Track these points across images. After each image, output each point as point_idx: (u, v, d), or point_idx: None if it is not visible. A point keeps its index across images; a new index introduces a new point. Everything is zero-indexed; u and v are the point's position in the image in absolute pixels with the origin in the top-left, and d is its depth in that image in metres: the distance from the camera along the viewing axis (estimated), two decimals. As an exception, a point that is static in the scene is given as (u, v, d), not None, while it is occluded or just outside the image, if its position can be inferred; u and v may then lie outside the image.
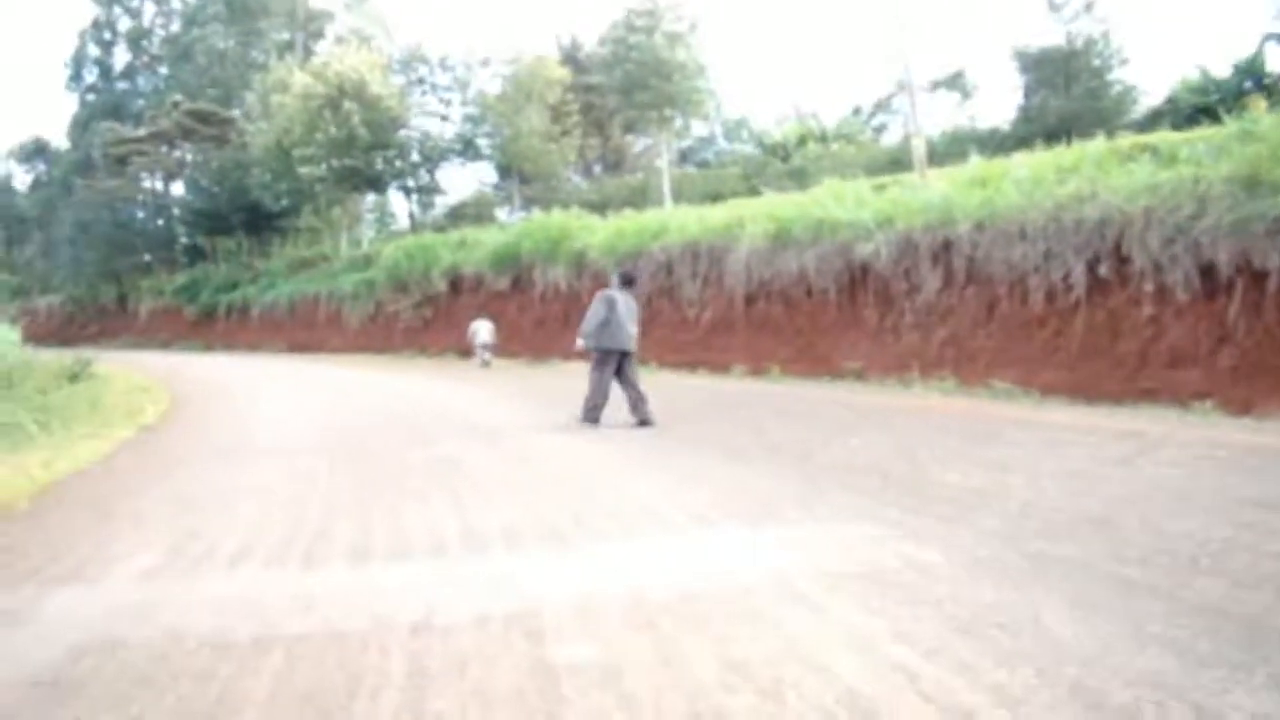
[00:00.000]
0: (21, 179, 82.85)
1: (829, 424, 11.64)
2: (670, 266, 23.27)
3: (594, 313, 12.22)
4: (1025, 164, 17.00)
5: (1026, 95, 42.91)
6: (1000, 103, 79.69)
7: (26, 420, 13.79)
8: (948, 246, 16.14)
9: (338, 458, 10.30)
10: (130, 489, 8.85)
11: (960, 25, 72.50)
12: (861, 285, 17.95)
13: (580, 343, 12.41)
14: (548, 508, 7.01)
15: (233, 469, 9.91)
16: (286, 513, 7.25)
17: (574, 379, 21.06)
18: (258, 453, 11.32)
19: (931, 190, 18.07)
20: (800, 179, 36.79)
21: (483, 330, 28.30)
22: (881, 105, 56.52)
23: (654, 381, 18.78)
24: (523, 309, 29.86)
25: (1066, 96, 39.16)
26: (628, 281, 13.06)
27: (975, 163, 18.89)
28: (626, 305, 12.45)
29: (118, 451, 11.72)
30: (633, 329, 12.47)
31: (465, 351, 29.40)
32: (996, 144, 32.03)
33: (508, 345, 29.00)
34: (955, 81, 52.81)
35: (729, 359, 20.56)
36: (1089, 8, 39.90)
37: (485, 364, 27.52)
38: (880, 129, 55.85)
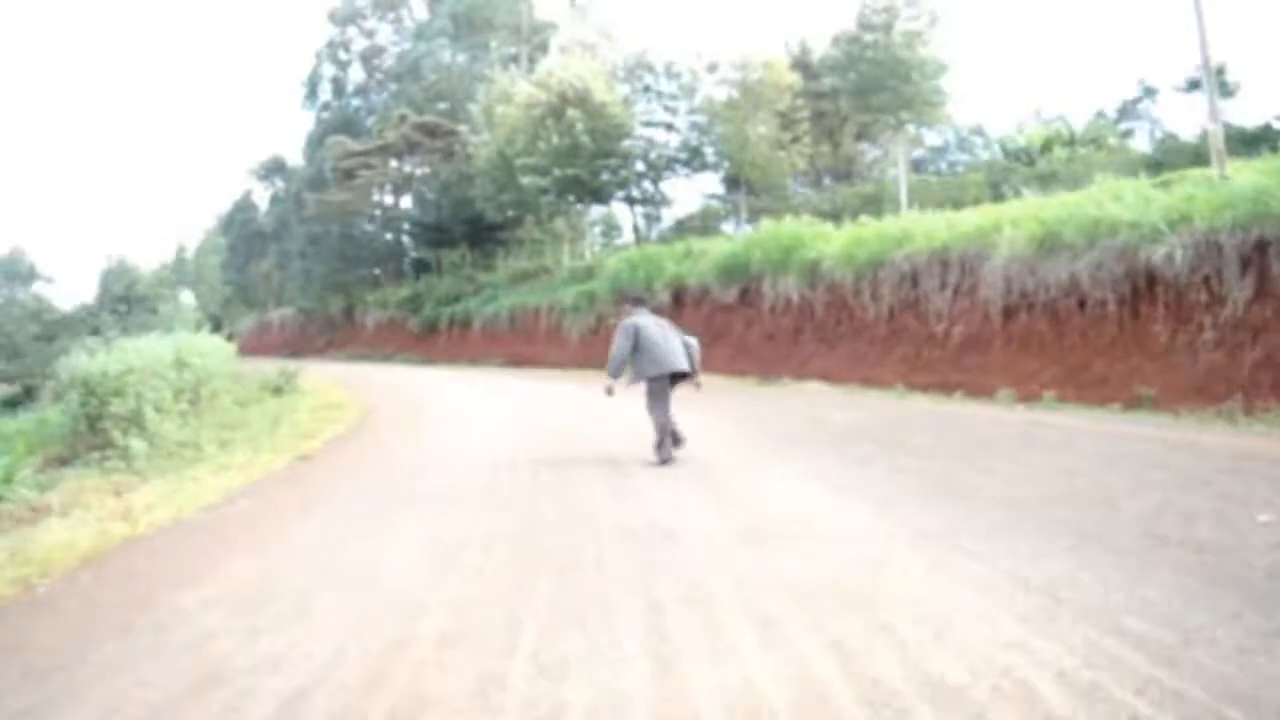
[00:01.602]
0: (261, 195, 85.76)
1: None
2: (915, 277, 21.18)
3: (618, 346, 11.31)
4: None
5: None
6: (1261, 102, 73.70)
7: (208, 439, 12.83)
8: (1263, 249, 13.59)
9: (508, 521, 8.16)
10: (202, 567, 7.11)
11: (1213, 18, 67.84)
12: (1147, 296, 15.49)
13: (609, 382, 11.37)
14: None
15: (355, 534, 7.97)
16: (381, 635, 5.15)
17: (810, 402, 19.23)
18: (408, 504, 9.22)
19: (1238, 183, 15.39)
20: (1049, 184, 33.98)
21: (689, 347, 26.51)
22: (1127, 109, 53.10)
23: (908, 409, 16.62)
24: (750, 323, 28.01)
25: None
26: (638, 301, 12.39)
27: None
28: (658, 326, 11.61)
29: (245, 491, 10.30)
30: (677, 346, 11.56)
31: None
32: (1268, 142, 28.62)
33: (735, 362, 27.24)
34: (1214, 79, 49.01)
35: (987, 381, 18.17)
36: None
37: (698, 386, 25.71)
38: (1127, 134, 52.21)
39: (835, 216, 28.95)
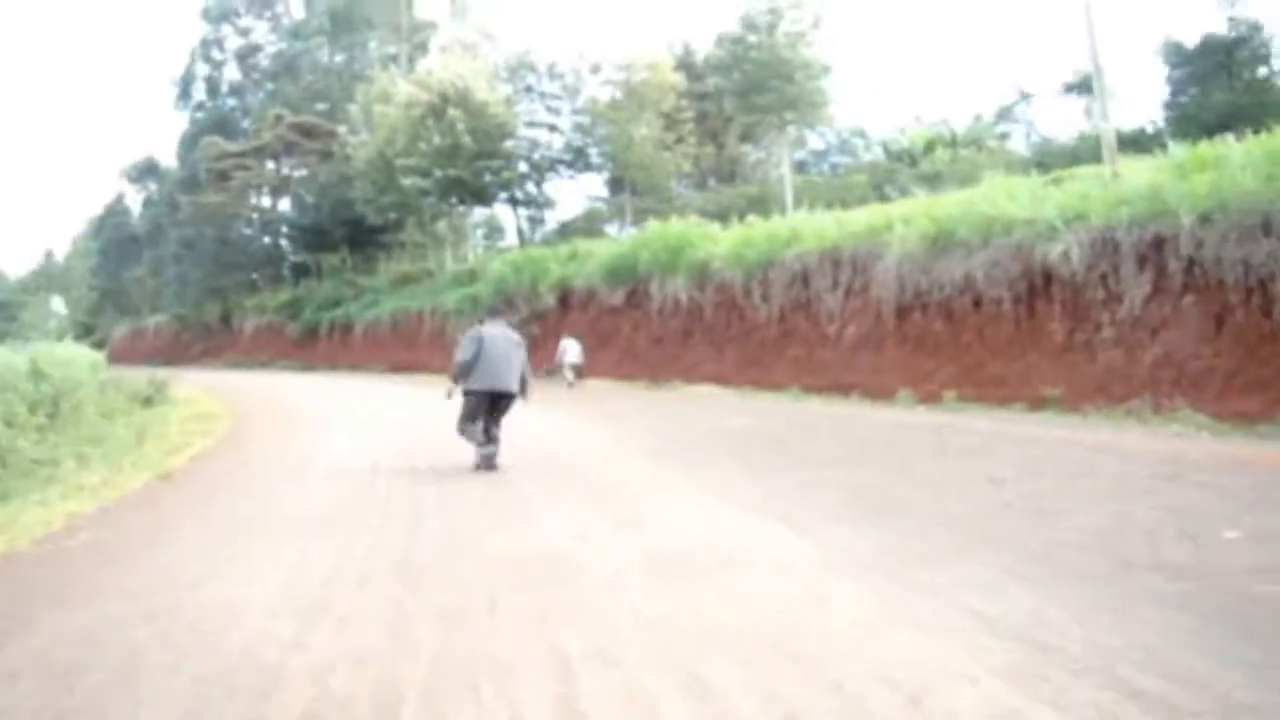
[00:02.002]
0: (134, 198, 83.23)
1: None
2: (806, 277, 20.79)
3: (461, 353, 11.03)
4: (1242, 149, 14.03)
5: (1174, 92, 40.26)
6: (1134, 104, 75.41)
7: (68, 455, 11.82)
8: (1159, 245, 13.36)
9: (384, 549, 7.03)
10: (17, 621, 5.62)
11: (1084, 25, 69.19)
12: (1044, 294, 15.24)
13: (450, 386, 11.19)
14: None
15: (207, 572, 6.56)
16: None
17: (703, 406, 18.73)
18: (273, 530, 7.97)
19: (1132, 180, 15.18)
20: (935, 184, 34.07)
21: (571, 350, 27.14)
22: (1004, 113, 54.35)
23: (806, 412, 16.22)
24: (638, 325, 27.41)
25: (1230, 90, 35.90)
26: (494, 313, 12.13)
27: (1175, 150, 15.78)
28: (503, 342, 11.19)
29: (92, 518, 8.89)
30: (509, 369, 11.10)
31: (552, 371, 27.14)
32: (1141, 146, 28.98)
33: (623, 366, 26.71)
34: (1089, 85, 50.22)
35: (883, 382, 17.82)
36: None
37: (570, 384, 26.23)
38: (1004, 136, 53.12)
39: (721, 217, 28.53)
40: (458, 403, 11.02)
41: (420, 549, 7.05)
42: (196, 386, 27.56)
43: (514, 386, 11.11)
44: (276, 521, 8.41)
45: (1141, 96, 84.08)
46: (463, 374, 10.90)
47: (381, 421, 18.01)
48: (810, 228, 21.67)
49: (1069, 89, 48.80)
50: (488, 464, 10.71)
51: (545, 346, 29.92)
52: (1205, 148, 14.36)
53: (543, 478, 10.17)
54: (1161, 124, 38.87)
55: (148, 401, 19.82)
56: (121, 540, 7.92)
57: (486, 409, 10.96)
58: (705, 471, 10.15)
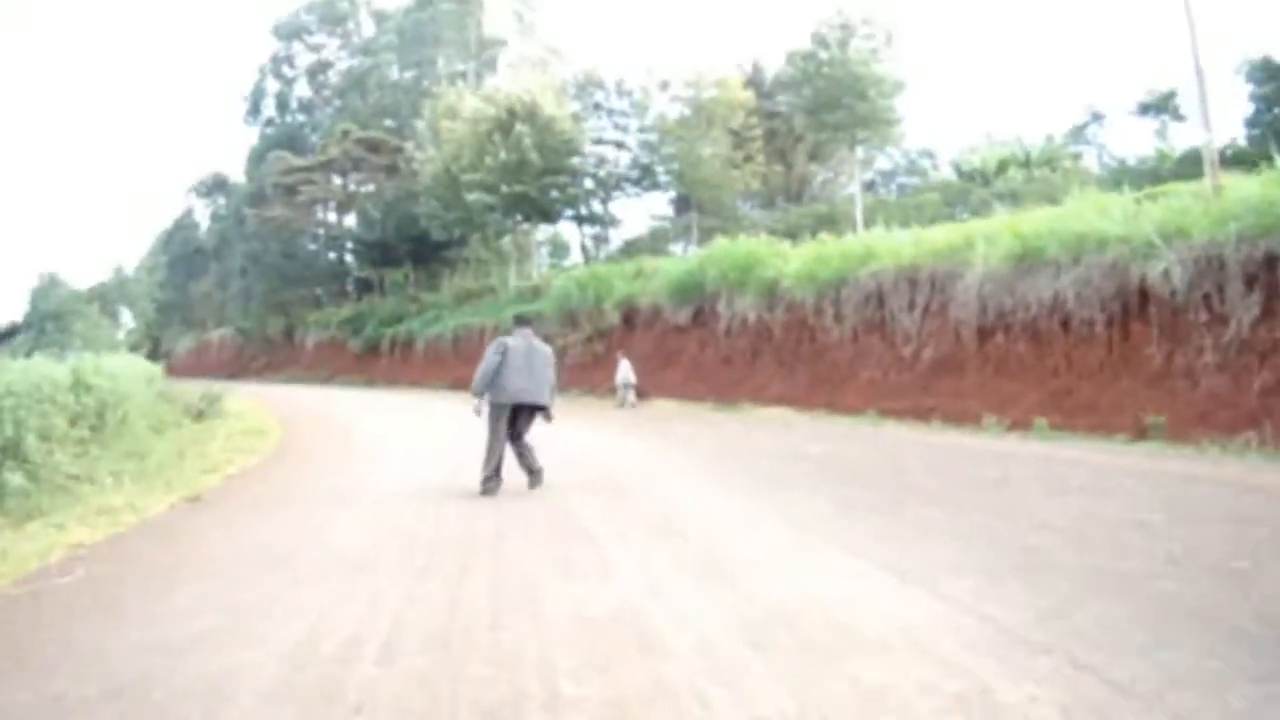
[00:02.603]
0: (202, 213, 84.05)
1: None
2: (880, 296, 20.07)
3: (485, 363, 10.51)
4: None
5: (1259, 110, 39.08)
6: (1217, 122, 73.42)
7: (106, 470, 11.25)
8: (1271, 264, 12.47)
9: (420, 609, 5.63)
10: None
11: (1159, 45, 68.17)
12: (1139, 315, 14.37)
13: (475, 402, 10.53)
14: None
15: (203, 630, 5.25)
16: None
17: (777, 431, 17.90)
18: (295, 574, 6.70)
19: (1240, 194, 14.21)
20: (1009, 203, 33.04)
21: (624, 369, 26.89)
22: (1075, 133, 52.83)
23: (889, 438, 15.37)
24: (705, 345, 26.75)
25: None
26: (521, 323, 11.33)
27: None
28: (526, 352, 10.67)
29: (97, 550, 7.84)
30: (532, 379, 10.60)
31: (640, 394, 26.56)
32: (1227, 163, 27.96)
33: (688, 386, 26.02)
34: (1165, 104, 49.42)
35: (964, 406, 16.98)
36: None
37: (621, 404, 26.34)
38: (1075, 157, 51.92)
39: (790, 236, 27.88)
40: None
41: (465, 606, 5.70)
42: (253, 400, 27.21)
43: (540, 398, 10.61)
44: (304, 560, 7.22)
45: (1223, 115, 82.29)
46: (485, 385, 10.38)
47: (436, 440, 17.27)
48: (886, 246, 20.91)
49: (1145, 109, 47.98)
50: (487, 491, 10.18)
51: (608, 366, 29.29)
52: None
53: (610, 511, 9.03)
54: (1244, 142, 37.71)
55: (200, 415, 19.42)
56: (119, 580, 6.80)
57: (509, 422, 10.44)
58: (792, 506, 8.92)
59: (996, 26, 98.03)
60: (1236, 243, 12.87)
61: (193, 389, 24.27)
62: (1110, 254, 14.76)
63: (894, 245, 20.69)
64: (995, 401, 16.48)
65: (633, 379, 26.76)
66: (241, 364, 63.54)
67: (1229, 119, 66.64)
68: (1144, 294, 14.23)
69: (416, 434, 19.08)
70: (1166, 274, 13.69)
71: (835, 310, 21.35)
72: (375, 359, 49.86)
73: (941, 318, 18.38)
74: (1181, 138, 46.13)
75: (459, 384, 38.84)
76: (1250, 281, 12.75)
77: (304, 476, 13.06)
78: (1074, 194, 18.53)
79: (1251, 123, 39.48)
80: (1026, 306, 16.19)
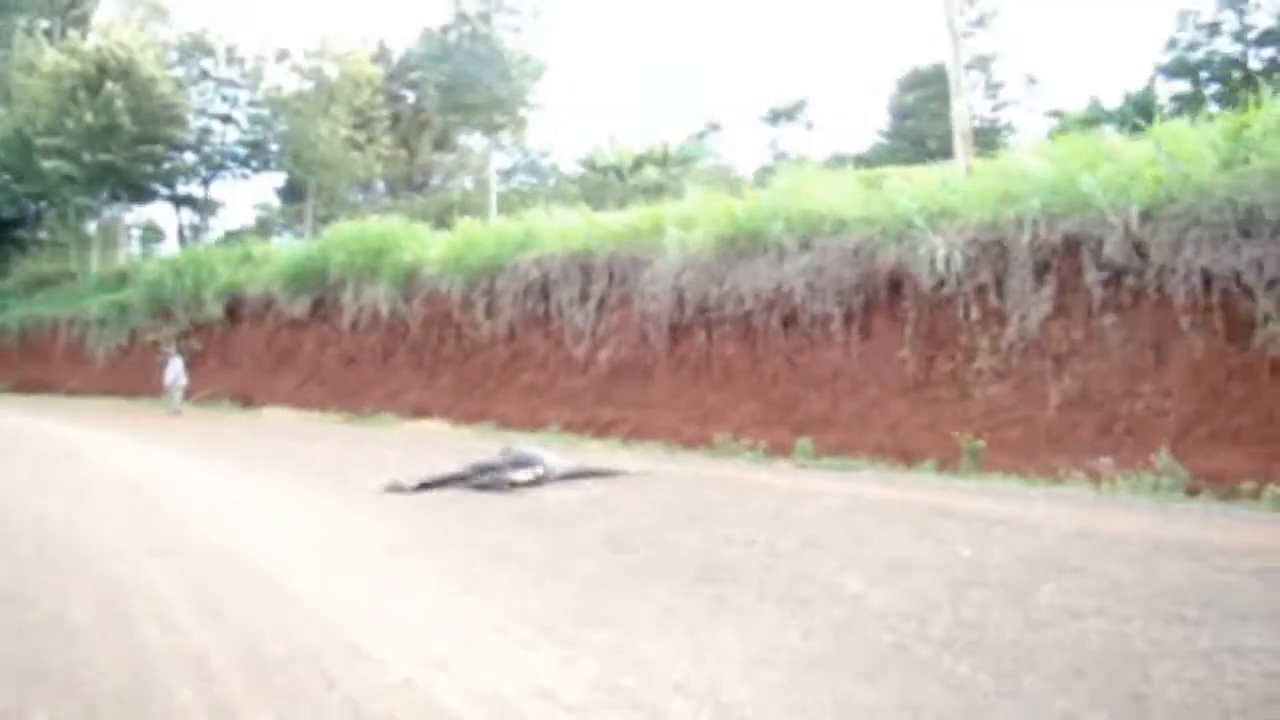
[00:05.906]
0: None
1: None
2: (545, 286, 16.76)
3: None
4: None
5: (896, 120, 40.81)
6: (837, 133, 76.66)
7: None
8: (1073, 249, 9.96)
9: None
10: None
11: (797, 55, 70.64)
12: (887, 312, 11.69)
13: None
14: None
15: None
16: None
17: (444, 450, 13.21)
18: None
19: (1024, 166, 11.60)
20: (654, 197, 31.21)
21: (175, 367, 23.38)
22: (698, 140, 54.59)
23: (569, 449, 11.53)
24: (326, 343, 22.70)
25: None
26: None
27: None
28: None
29: None
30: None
31: (246, 400, 22.35)
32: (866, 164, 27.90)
33: (305, 391, 22.02)
34: (796, 112, 54.54)
35: (650, 419, 14.01)
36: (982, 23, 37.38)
37: (176, 411, 22.38)
38: (716, 156, 53.97)
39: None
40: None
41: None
42: None
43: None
44: None
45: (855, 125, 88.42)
46: None
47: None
48: (552, 228, 17.73)
49: (775, 115, 52.26)
50: None
51: (209, 367, 24.86)
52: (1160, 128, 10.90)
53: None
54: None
55: None
56: None
57: None
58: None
59: (615, 35, 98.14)
60: (1025, 225, 10.31)
61: None
62: (853, 237, 12.01)
63: (562, 228, 17.56)
64: (695, 414, 13.54)
65: (184, 380, 23.19)
66: None
67: (865, 129, 69.91)
68: (894, 285, 11.55)
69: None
70: (931, 263, 10.99)
71: (489, 303, 17.91)
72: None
73: (623, 312, 15.31)
74: (814, 146, 47.76)
75: (25, 386, 32.85)
76: (1040, 271, 10.22)
77: None
78: (781, 171, 15.82)
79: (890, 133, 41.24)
80: (739, 299, 13.24)
